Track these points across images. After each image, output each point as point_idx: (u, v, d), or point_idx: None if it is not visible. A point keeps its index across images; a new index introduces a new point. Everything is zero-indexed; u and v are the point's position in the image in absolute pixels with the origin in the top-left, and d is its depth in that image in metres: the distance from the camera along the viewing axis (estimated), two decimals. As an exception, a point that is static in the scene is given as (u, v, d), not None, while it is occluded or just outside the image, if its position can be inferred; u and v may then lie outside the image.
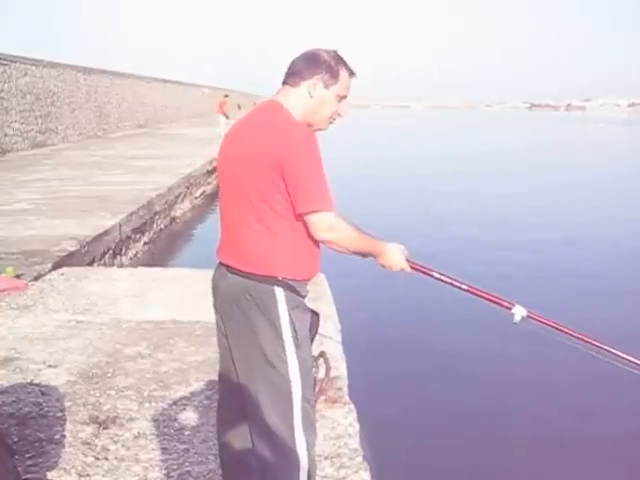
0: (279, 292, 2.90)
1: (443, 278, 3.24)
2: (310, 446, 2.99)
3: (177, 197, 16.91)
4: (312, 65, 3.05)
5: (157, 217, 14.60)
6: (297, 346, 2.93)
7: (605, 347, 3.43)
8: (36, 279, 7.88)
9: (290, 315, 2.92)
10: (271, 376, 2.92)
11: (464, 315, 10.08)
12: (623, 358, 3.45)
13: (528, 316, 3.29)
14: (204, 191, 20.78)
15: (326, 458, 4.05)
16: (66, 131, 31.35)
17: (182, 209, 17.25)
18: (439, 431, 6.50)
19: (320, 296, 6.93)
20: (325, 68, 3.05)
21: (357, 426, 4.49)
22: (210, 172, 21.72)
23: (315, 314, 3.13)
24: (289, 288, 2.93)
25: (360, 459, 4.09)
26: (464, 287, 3.27)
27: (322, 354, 5.03)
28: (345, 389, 4.98)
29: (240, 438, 3.15)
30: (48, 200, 13.64)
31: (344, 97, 3.13)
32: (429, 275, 3.23)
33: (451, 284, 3.25)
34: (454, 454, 6.15)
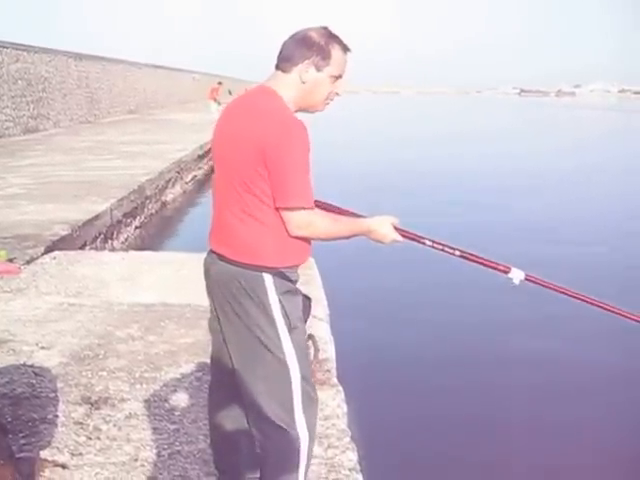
0: (268, 279, 2.90)
1: (435, 245, 3.16)
2: (311, 427, 3.01)
3: (168, 182, 16.92)
4: (302, 48, 2.94)
5: (148, 202, 14.62)
6: (290, 330, 2.92)
7: (603, 304, 3.39)
8: (29, 263, 7.92)
9: (280, 300, 2.91)
10: (268, 361, 2.91)
11: (453, 294, 10.22)
12: (620, 313, 3.45)
13: (526, 279, 3.21)
14: (195, 176, 20.78)
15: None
16: (58, 117, 31.26)
17: (173, 194, 17.26)
18: (427, 412, 6.56)
19: (309, 280, 6.98)
20: (316, 50, 2.94)
21: (345, 407, 4.54)
22: (201, 157, 21.74)
23: (307, 298, 3.12)
24: (278, 274, 2.91)
25: (348, 439, 4.14)
26: (457, 253, 3.18)
27: (311, 337, 5.08)
28: (333, 371, 5.03)
29: (231, 420, 3.18)
30: (40, 185, 13.65)
31: (339, 76, 3.03)
32: (421, 243, 3.15)
33: (443, 250, 3.17)
34: (442, 435, 6.21)
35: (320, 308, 6.24)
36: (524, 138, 45.13)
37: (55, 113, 31.00)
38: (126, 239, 12.49)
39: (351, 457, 3.97)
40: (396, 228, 3.09)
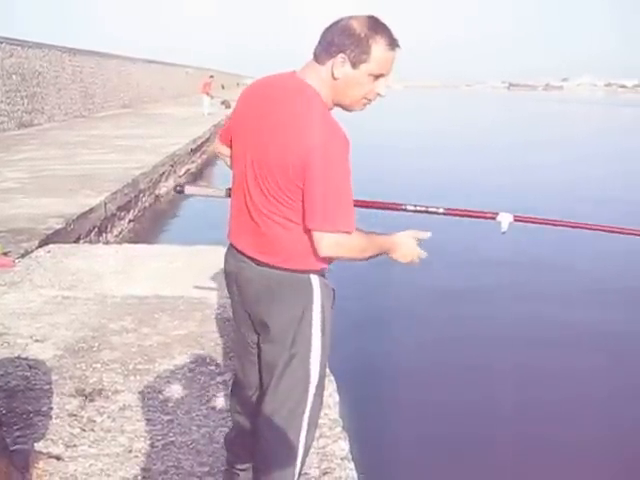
0: (315, 280, 2.82)
1: (418, 209, 3.13)
2: (309, 441, 2.99)
3: (161, 175, 16.94)
4: (340, 38, 2.64)
5: (142, 195, 14.64)
6: (323, 334, 2.87)
7: (596, 226, 3.44)
8: (23, 256, 7.94)
9: (323, 303, 2.85)
10: (295, 366, 2.85)
11: (448, 284, 10.25)
12: (613, 230, 3.55)
13: (515, 220, 3.16)
14: (188, 169, 20.80)
15: (307, 427, 4.15)
16: (52, 111, 31.24)
17: (167, 187, 17.27)
18: (419, 400, 6.58)
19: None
20: (354, 42, 2.62)
21: (337, 397, 4.57)
22: (194, 151, 21.74)
23: (332, 290, 2.99)
24: (322, 275, 2.86)
25: (339, 429, 4.17)
26: (441, 211, 3.15)
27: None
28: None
29: (251, 419, 3.16)
30: (34, 179, 13.65)
31: (381, 75, 2.72)
32: (402, 210, 3.15)
33: (427, 212, 3.13)
34: (434, 425, 6.23)
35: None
36: (519, 131, 45.16)
37: (49, 108, 30.98)
38: (120, 232, 12.50)
39: (343, 446, 4.00)
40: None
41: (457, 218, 3.28)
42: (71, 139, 22.43)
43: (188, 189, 3.44)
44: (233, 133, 2.94)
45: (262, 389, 3.03)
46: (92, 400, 4.51)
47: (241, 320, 3.07)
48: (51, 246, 8.50)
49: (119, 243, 10.85)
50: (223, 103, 38.54)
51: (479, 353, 7.74)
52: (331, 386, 4.67)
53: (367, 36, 2.63)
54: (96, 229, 10.93)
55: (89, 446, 3.98)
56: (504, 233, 3.13)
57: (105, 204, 11.50)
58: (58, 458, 3.83)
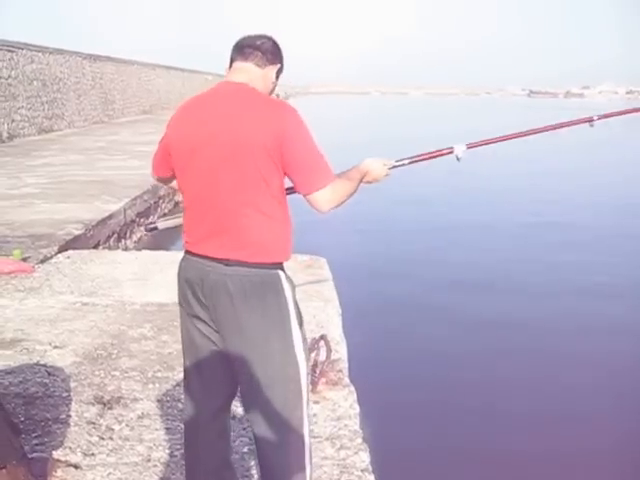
0: (282, 276, 2.88)
1: (396, 165, 3.35)
2: (309, 438, 3.01)
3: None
4: (277, 52, 3.08)
5: (161, 201, 14.66)
6: (300, 327, 2.92)
7: (548, 127, 3.90)
8: (42, 262, 7.96)
9: (293, 296, 2.90)
10: (281, 362, 2.87)
11: (470, 292, 10.19)
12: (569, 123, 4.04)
13: (468, 148, 3.58)
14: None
15: (327, 439, 4.11)
16: (72, 117, 31.37)
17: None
18: (440, 412, 6.54)
19: (321, 280, 6.99)
20: (282, 59, 3.11)
21: (357, 408, 4.53)
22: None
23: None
24: (285, 270, 2.91)
25: (360, 440, 4.14)
26: (407, 162, 3.43)
27: (323, 337, 5.08)
28: (345, 371, 5.03)
29: (222, 443, 3.16)
30: (54, 184, 13.69)
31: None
32: (399, 166, 3.37)
33: (403, 165, 3.41)
34: (456, 436, 6.18)
35: (332, 308, 6.24)
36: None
37: (69, 113, 31.10)
38: (139, 238, 12.50)
39: (363, 458, 3.96)
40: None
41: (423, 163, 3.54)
42: (91, 145, 22.50)
43: (161, 224, 3.42)
44: (176, 150, 3.00)
45: (245, 398, 3.05)
46: (111, 408, 4.50)
47: (200, 330, 3.02)
48: (70, 252, 8.51)
49: (138, 249, 10.84)
50: None
51: (508, 369, 7.66)
52: (351, 397, 4.64)
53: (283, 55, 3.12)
54: (115, 235, 10.94)
55: (107, 455, 3.97)
56: (459, 160, 3.56)
57: (124, 210, 11.52)
58: (76, 467, 3.82)
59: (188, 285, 2.97)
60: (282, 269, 2.90)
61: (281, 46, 3.11)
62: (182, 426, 4.23)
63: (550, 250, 13.24)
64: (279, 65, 3.08)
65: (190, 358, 3.13)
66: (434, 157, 3.55)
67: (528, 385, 7.19)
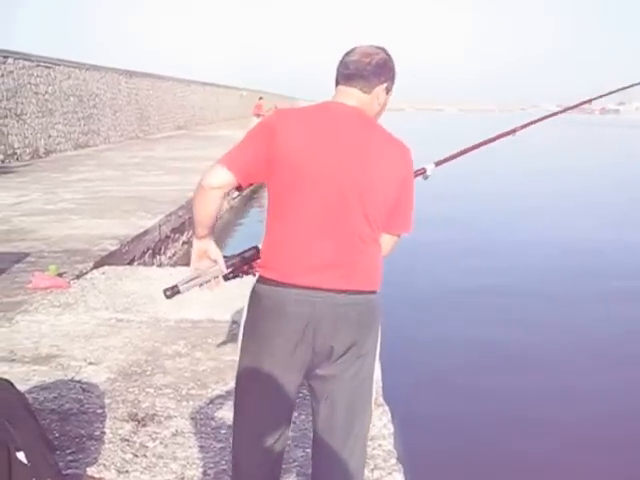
0: (379, 301, 2.87)
1: None
2: None
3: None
4: (383, 70, 2.89)
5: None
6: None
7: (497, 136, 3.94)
8: (78, 277, 8.01)
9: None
10: (371, 388, 2.93)
11: (504, 309, 10.12)
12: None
13: (437, 165, 3.63)
14: (241, 192, 20.87)
15: (360, 459, 4.08)
16: (108, 132, 31.67)
17: (220, 209, 17.32)
18: (477, 432, 6.49)
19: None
20: (393, 73, 2.94)
21: (391, 428, 4.49)
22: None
23: None
24: None
25: (394, 461, 4.10)
26: None
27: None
28: (380, 390, 4.97)
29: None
30: (90, 200, 13.80)
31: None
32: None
33: None
34: (492, 456, 6.13)
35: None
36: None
37: (105, 129, 31.40)
38: (174, 254, 12.56)
39: (397, 479, 3.94)
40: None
41: None
42: (126, 160, 22.67)
43: (183, 286, 2.95)
44: (293, 165, 2.71)
45: (329, 422, 2.88)
46: (145, 425, 4.50)
47: (294, 361, 2.78)
48: (105, 268, 8.56)
49: (173, 265, 10.89)
50: None
51: (545, 382, 7.59)
52: (385, 417, 4.60)
53: (394, 68, 2.95)
54: (150, 251, 10.99)
55: (141, 472, 3.96)
56: (426, 178, 3.55)
57: (159, 226, 11.57)
58: (110, 484, 3.81)
59: (295, 320, 2.73)
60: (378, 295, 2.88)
61: (392, 57, 2.94)
62: (215, 444, 4.25)
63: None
64: (388, 83, 2.91)
65: (256, 392, 2.86)
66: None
67: (568, 397, 7.12)
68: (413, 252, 14.35)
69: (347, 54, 2.90)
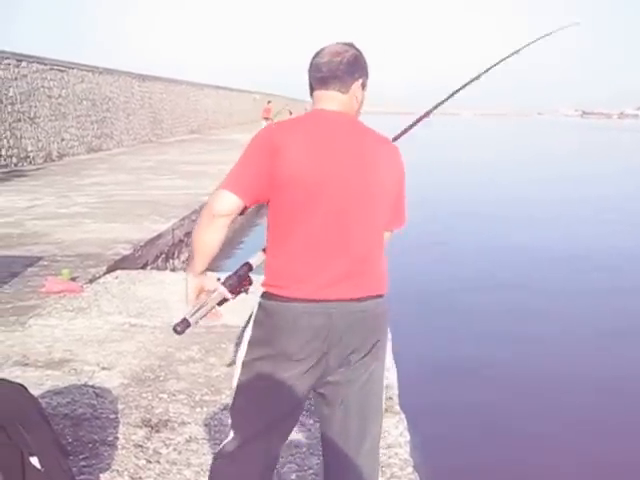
0: (387, 305, 2.86)
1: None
2: None
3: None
4: (355, 67, 2.85)
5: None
6: None
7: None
8: (91, 282, 7.99)
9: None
10: (381, 397, 2.96)
11: (521, 314, 10.05)
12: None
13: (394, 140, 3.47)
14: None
15: (377, 467, 4.05)
16: (121, 136, 31.75)
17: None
18: (494, 440, 6.44)
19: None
20: (365, 68, 2.91)
21: (408, 436, 4.46)
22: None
23: None
24: None
25: (410, 469, 4.06)
26: None
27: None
28: (396, 398, 4.95)
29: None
30: (103, 204, 13.82)
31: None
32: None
33: None
34: (509, 464, 6.08)
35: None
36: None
37: (118, 133, 31.48)
38: (187, 258, 12.53)
39: (414, 487, 3.90)
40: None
41: None
42: (139, 164, 22.72)
43: (193, 318, 2.89)
44: (296, 182, 2.67)
45: (340, 427, 2.86)
46: (158, 431, 4.47)
47: (309, 374, 2.74)
48: (118, 272, 8.55)
49: (186, 270, 10.87)
50: None
51: (561, 393, 7.53)
52: (401, 425, 4.56)
53: (366, 62, 2.92)
54: (163, 255, 10.98)
55: (154, 479, 3.95)
56: None
57: (173, 230, 11.56)
58: (123, 491, 3.79)
59: (316, 334, 2.69)
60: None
61: (362, 52, 2.91)
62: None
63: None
64: (363, 78, 2.89)
65: (267, 406, 2.80)
66: None
67: (589, 406, 7.07)
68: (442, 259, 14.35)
69: (316, 56, 2.87)
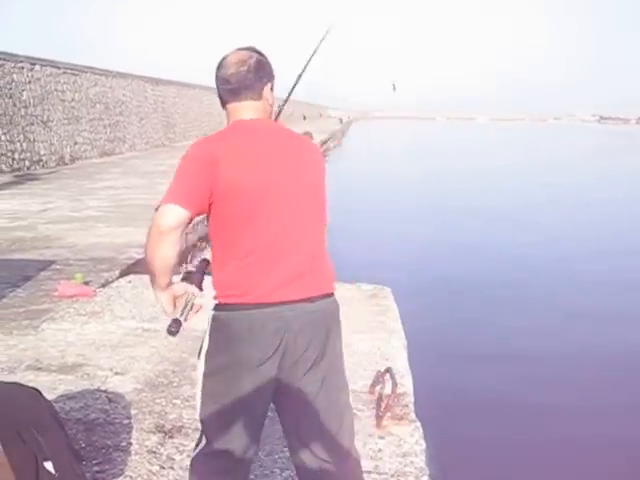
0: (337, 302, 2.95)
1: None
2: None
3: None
4: (263, 73, 2.92)
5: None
6: None
7: None
8: (104, 286, 7.98)
9: None
10: (346, 391, 2.99)
11: (537, 325, 9.98)
12: None
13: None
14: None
15: (392, 476, 4.00)
16: (133, 140, 31.82)
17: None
18: (511, 449, 6.38)
19: (386, 310, 6.90)
20: (271, 71, 2.98)
21: (423, 444, 4.42)
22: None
23: None
24: None
25: (426, 478, 4.03)
26: None
27: (388, 370, 4.98)
28: (411, 406, 4.91)
29: None
30: (116, 208, 13.84)
31: None
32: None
33: None
34: (523, 470, 6.03)
35: (398, 340, 6.14)
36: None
37: (131, 136, 31.55)
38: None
39: (430, 496, 3.87)
40: None
41: None
42: (152, 168, 22.76)
43: (182, 318, 2.91)
44: (238, 193, 2.71)
45: (308, 428, 2.90)
46: (172, 437, 4.45)
47: (271, 379, 2.79)
48: (132, 276, 8.53)
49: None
50: (305, 134, 38.69)
51: (586, 394, 7.48)
52: (417, 433, 4.52)
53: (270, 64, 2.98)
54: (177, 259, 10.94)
55: (168, 485, 3.91)
56: None
57: (186, 235, 11.52)
58: (137, 497, 3.77)
59: (271, 337, 2.72)
60: None
61: (263, 53, 2.97)
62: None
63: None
64: (271, 81, 2.96)
65: (233, 413, 2.88)
66: None
67: (620, 416, 7.01)
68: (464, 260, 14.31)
69: (220, 67, 2.92)
